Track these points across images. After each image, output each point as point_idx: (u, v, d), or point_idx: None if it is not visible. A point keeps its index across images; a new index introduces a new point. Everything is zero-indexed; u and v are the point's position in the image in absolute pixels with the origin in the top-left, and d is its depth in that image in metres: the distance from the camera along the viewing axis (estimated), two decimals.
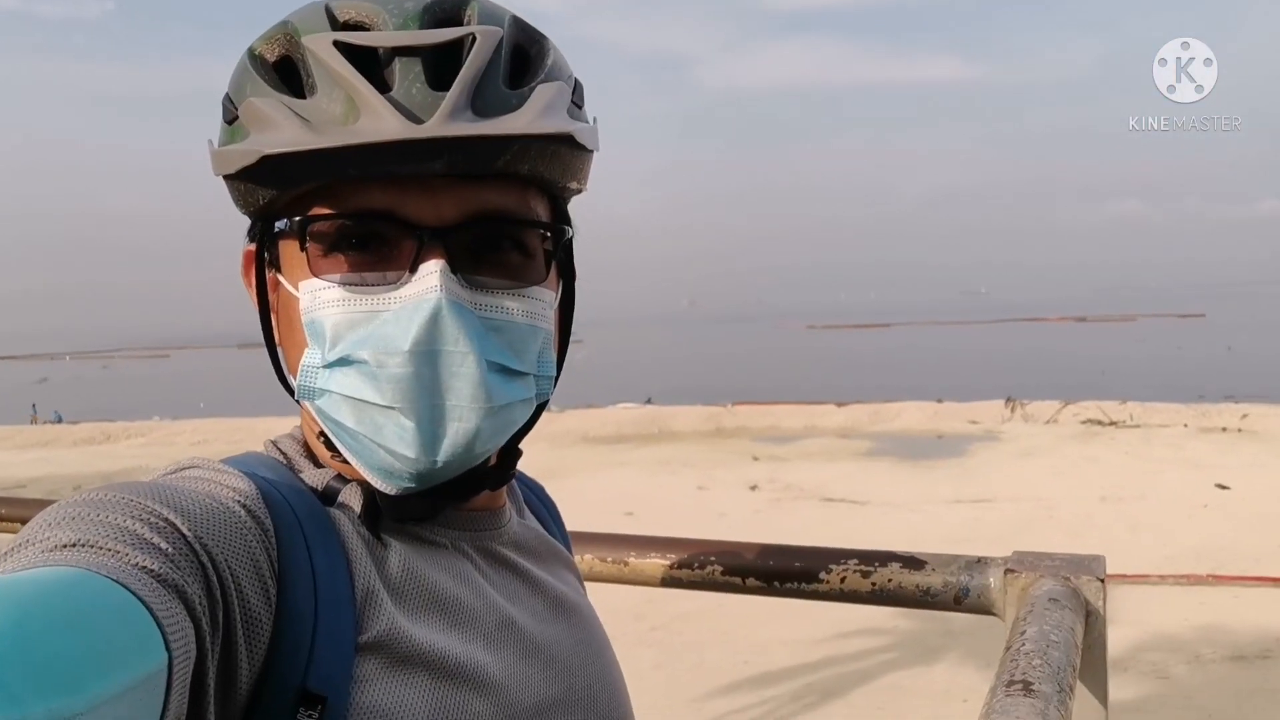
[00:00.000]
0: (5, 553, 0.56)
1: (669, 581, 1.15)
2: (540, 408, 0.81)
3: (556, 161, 0.74)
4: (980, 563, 1.02)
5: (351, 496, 0.75)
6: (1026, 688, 0.69)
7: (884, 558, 1.06)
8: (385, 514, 0.75)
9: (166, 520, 0.60)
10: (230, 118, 0.72)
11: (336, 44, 0.69)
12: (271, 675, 0.64)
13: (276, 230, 0.74)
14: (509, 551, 0.86)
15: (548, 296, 0.78)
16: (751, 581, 1.10)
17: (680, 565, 1.14)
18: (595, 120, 0.80)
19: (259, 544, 0.66)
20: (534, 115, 0.71)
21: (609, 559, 1.18)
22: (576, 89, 0.78)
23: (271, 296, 0.77)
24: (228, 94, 0.73)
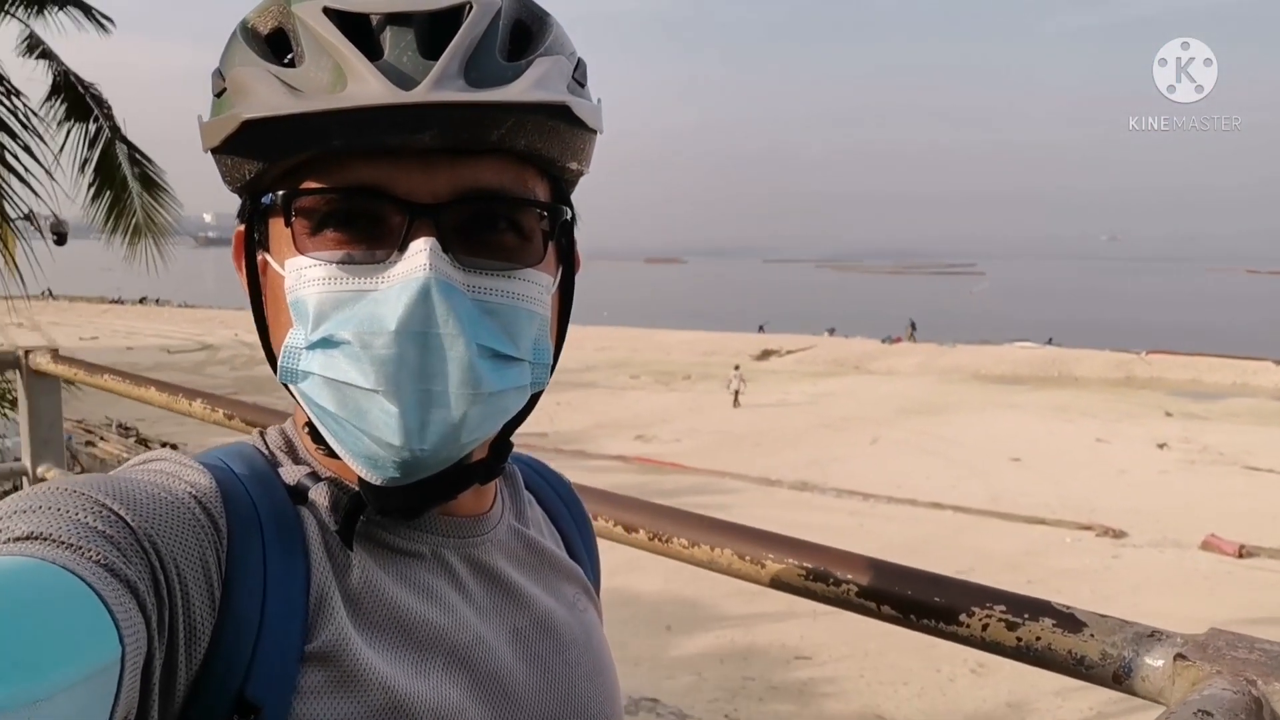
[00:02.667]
0: None
1: (802, 591, 1.03)
2: (535, 397, 0.76)
3: (555, 138, 0.70)
4: (1153, 636, 0.80)
5: (321, 495, 0.73)
6: None
7: (1036, 609, 0.86)
8: (369, 505, 0.71)
9: (117, 515, 0.59)
10: (218, 91, 0.70)
11: (326, 11, 0.66)
12: (209, 678, 0.63)
13: (263, 206, 0.71)
14: (494, 561, 0.80)
15: (544, 280, 0.73)
16: (886, 609, 0.95)
17: (815, 577, 1.01)
18: (600, 101, 0.75)
19: (209, 543, 0.64)
20: (528, 85, 0.66)
21: (747, 557, 1.08)
22: (579, 67, 0.73)
23: (261, 280, 0.74)
24: (217, 68, 0.71)
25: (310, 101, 0.63)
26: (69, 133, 10.38)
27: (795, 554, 1.04)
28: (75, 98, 10.43)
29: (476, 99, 0.64)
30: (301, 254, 0.68)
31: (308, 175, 0.67)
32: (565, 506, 0.96)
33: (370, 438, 0.66)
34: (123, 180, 10.55)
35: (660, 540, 1.15)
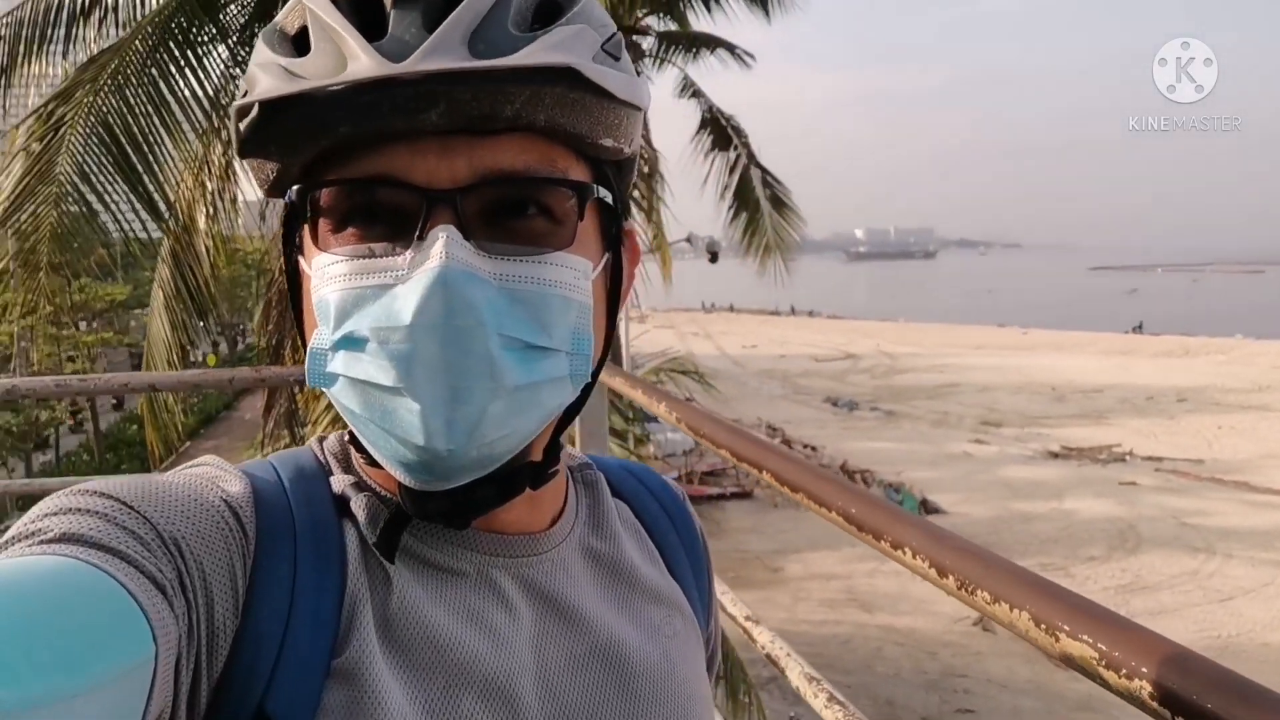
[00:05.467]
0: None
1: (1094, 678, 0.74)
2: (586, 390, 0.69)
3: (580, 111, 0.64)
4: None
5: (363, 506, 0.70)
6: None
7: None
8: (410, 511, 0.68)
9: (143, 517, 0.60)
10: (243, 94, 0.68)
11: None
12: (230, 688, 0.61)
13: (288, 205, 0.69)
14: (552, 581, 0.72)
15: (581, 265, 0.67)
16: None
17: (1107, 663, 0.73)
18: (643, 75, 0.64)
19: (236, 550, 0.64)
20: (533, 51, 0.61)
21: (1043, 625, 0.82)
22: (612, 39, 0.67)
23: (299, 284, 0.71)
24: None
25: (299, 84, 0.62)
26: (713, 162, 11.72)
27: (1093, 630, 0.77)
28: (719, 130, 11.73)
29: (472, 67, 0.59)
30: (324, 251, 0.66)
31: (325, 171, 0.65)
32: (669, 519, 0.86)
33: (396, 438, 0.63)
34: (755, 202, 11.62)
35: (967, 591, 0.94)
